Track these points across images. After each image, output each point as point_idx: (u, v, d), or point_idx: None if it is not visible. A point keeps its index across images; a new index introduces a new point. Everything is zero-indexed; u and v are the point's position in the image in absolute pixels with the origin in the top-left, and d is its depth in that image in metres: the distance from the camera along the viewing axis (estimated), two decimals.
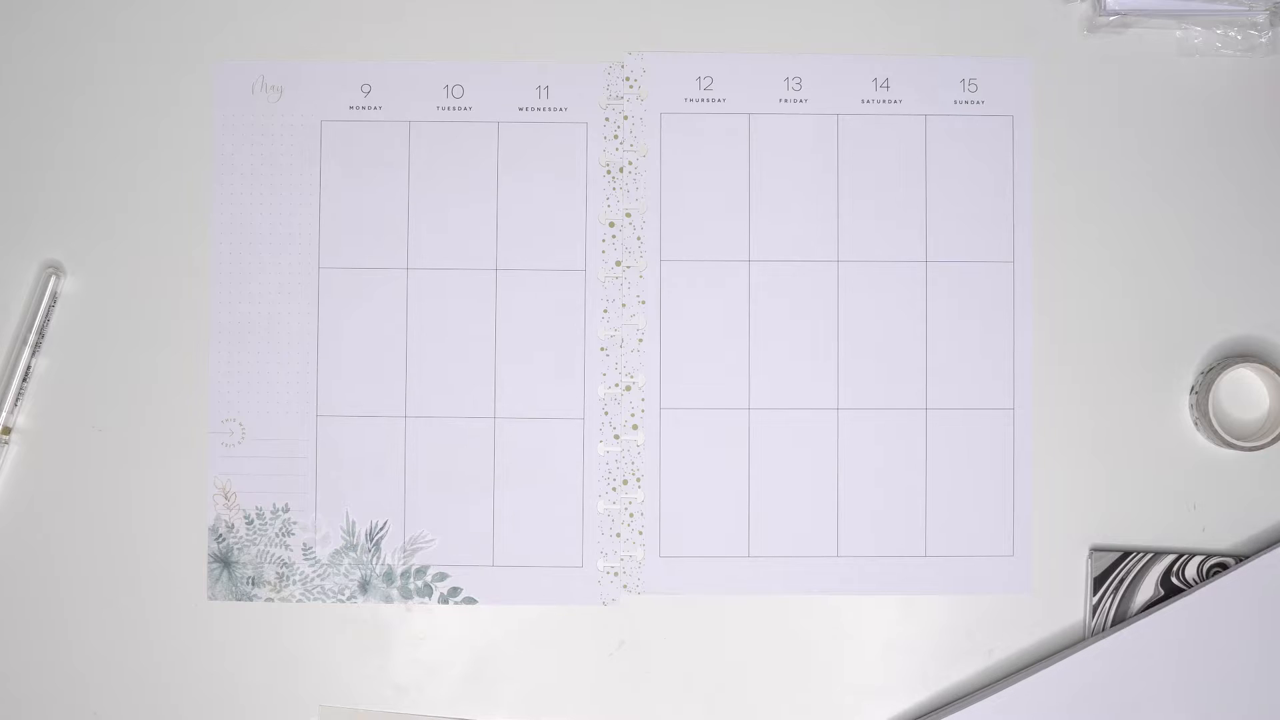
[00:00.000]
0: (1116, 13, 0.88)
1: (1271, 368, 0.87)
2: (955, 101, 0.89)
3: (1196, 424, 0.88)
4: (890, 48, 0.89)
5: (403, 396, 0.88)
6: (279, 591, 0.88)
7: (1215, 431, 0.86)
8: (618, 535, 0.89)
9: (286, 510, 0.88)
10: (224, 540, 0.88)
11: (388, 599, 0.88)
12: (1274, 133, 0.89)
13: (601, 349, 0.89)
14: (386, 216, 0.89)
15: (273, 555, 0.88)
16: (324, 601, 0.88)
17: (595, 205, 0.89)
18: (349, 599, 0.88)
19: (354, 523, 0.88)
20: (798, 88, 0.89)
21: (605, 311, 0.89)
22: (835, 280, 0.89)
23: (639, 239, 0.89)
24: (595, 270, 0.89)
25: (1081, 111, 0.89)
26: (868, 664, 0.88)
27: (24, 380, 0.88)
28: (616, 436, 0.89)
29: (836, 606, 0.89)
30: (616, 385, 0.89)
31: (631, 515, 0.89)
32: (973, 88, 0.89)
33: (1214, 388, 0.87)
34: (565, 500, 0.89)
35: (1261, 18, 0.88)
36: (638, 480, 0.89)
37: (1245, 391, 0.89)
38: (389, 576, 0.88)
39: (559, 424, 0.89)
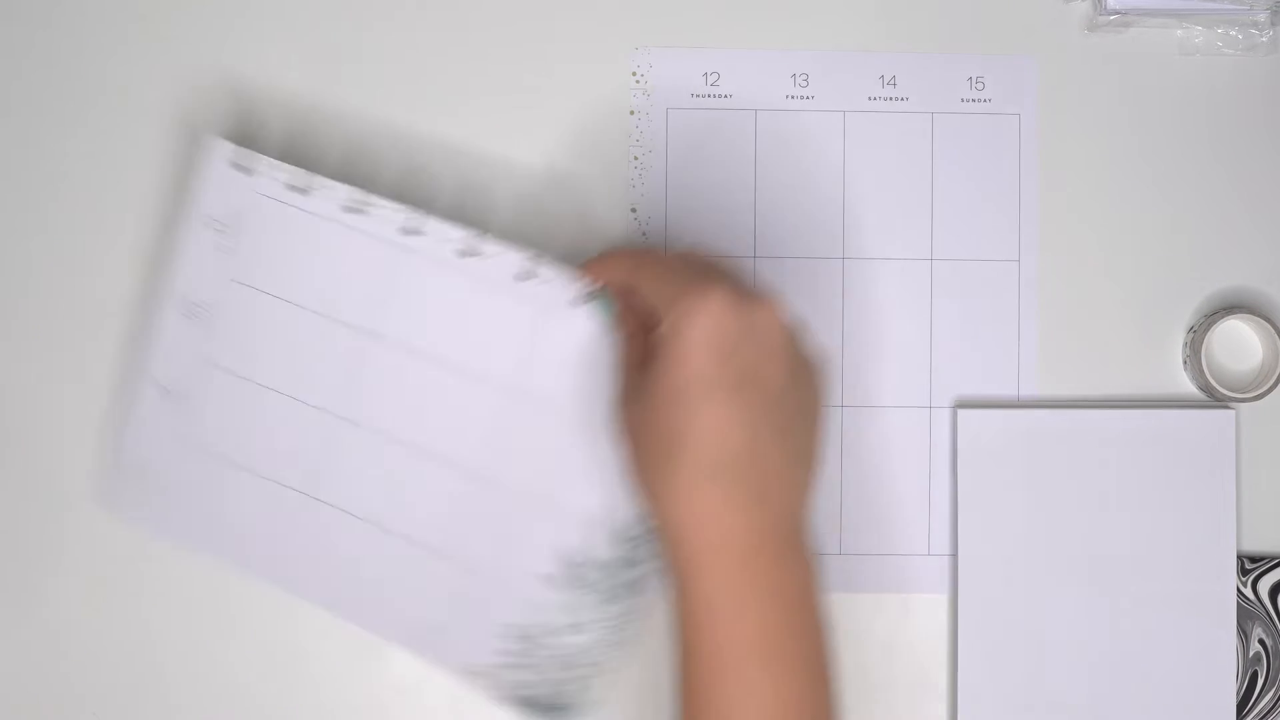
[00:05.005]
0: (1117, 12, 0.88)
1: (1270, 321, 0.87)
2: (962, 99, 0.89)
3: (1190, 374, 0.88)
4: (897, 45, 0.89)
5: None
6: None
7: (1211, 386, 0.86)
8: None
9: None
10: None
11: None
12: (1274, 132, 0.90)
13: None
14: None
15: None
16: None
17: None
18: None
19: None
20: (804, 84, 0.89)
21: None
22: (841, 277, 0.88)
23: (644, 234, 0.88)
24: None
25: (1083, 111, 0.89)
26: (867, 664, 0.88)
27: None
28: None
29: (837, 605, 0.88)
30: None
31: None
32: (979, 85, 0.89)
33: (1207, 338, 0.87)
34: None
35: (1262, 17, 0.88)
36: None
37: (1239, 345, 0.89)
38: None
39: None
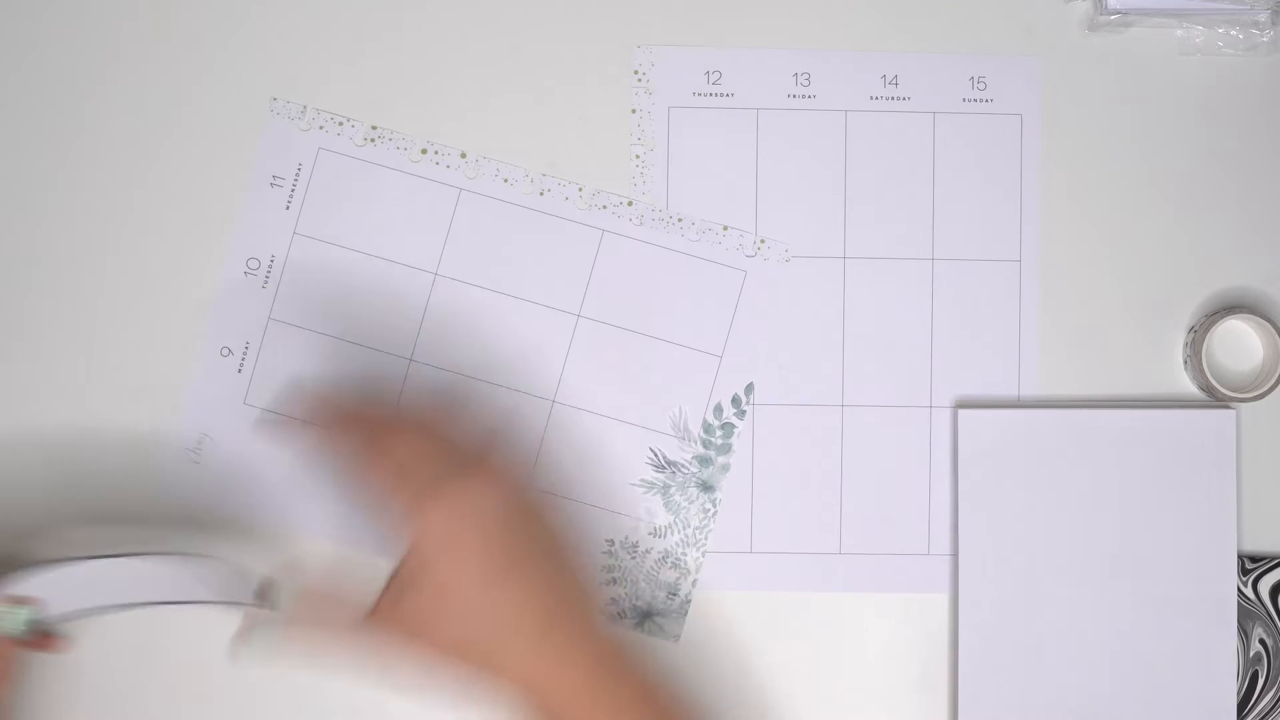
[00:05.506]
0: (1118, 11, 0.88)
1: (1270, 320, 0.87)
2: (964, 99, 0.89)
3: (1191, 374, 0.88)
4: (899, 44, 0.89)
5: None
6: None
7: (1211, 386, 0.86)
8: None
9: None
10: None
11: None
12: (1274, 132, 0.90)
13: None
14: None
15: None
16: None
17: None
18: None
19: None
20: (806, 83, 0.89)
21: None
22: (841, 276, 0.88)
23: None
24: None
25: (1084, 111, 0.89)
26: (868, 664, 0.88)
27: None
28: None
29: (837, 605, 0.88)
30: None
31: None
32: (981, 85, 0.89)
33: (1208, 338, 0.87)
34: None
35: (1263, 17, 0.88)
36: None
37: (1239, 345, 0.89)
38: None
39: None
